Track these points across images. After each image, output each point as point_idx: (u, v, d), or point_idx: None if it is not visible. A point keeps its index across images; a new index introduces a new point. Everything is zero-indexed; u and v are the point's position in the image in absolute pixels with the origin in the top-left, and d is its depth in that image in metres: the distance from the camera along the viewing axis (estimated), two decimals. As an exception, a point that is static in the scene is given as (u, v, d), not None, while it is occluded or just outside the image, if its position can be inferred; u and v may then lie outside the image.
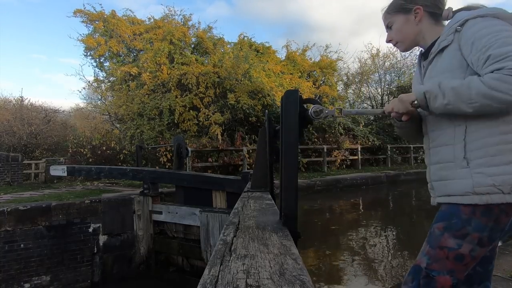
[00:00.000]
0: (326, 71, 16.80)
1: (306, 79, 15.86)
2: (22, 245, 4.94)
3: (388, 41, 1.30)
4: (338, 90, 16.90)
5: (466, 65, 1.04)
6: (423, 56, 1.24)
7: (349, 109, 18.35)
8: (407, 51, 1.31)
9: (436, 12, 1.19)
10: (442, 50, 1.10)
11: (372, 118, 19.33)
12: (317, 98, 13.56)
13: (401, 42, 1.26)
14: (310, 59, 17.34)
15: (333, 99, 15.98)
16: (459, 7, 1.18)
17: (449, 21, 1.14)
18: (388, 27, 1.28)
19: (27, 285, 4.93)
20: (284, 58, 16.70)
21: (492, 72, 0.94)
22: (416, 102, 1.07)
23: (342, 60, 18.59)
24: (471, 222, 1.00)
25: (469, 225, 1.00)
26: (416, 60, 1.35)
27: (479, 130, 1.01)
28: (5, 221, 4.86)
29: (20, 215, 4.96)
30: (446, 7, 1.20)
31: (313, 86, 15.61)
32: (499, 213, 0.98)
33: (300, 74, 15.85)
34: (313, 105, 1.19)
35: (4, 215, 4.85)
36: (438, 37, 1.13)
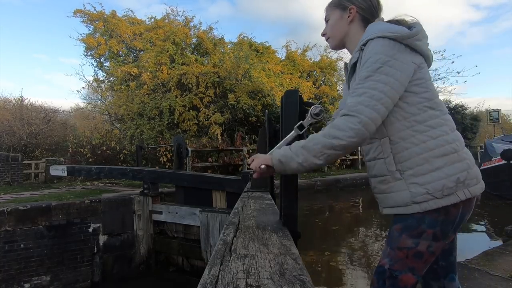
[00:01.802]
0: (326, 71, 16.79)
1: (306, 79, 15.85)
2: (22, 245, 4.94)
3: (322, 34, 1.32)
4: (338, 90, 16.87)
5: None
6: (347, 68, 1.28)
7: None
8: (336, 49, 1.34)
9: (369, 18, 1.21)
10: (353, 66, 1.15)
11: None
12: (317, 99, 13.56)
13: (332, 38, 1.28)
14: (310, 59, 17.34)
15: (333, 99, 15.96)
16: (390, 18, 1.20)
17: (364, 32, 1.16)
18: (326, 21, 1.29)
19: (27, 285, 4.93)
20: (284, 58, 16.69)
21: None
22: (263, 166, 1.09)
23: (342, 60, 18.56)
24: (424, 220, 1.06)
25: (423, 223, 1.06)
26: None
27: (401, 142, 1.08)
28: (5, 221, 4.86)
29: (20, 215, 4.96)
30: (379, 17, 1.22)
31: (313, 86, 15.60)
32: (448, 207, 1.04)
33: (300, 74, 15.84)
34: (313, 105, 1.20)
35: (4, 215, 4.85)
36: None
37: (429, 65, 1.13)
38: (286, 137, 1.20)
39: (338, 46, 1.30)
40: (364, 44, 1.09)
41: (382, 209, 1.22)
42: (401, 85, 1.03)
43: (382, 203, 1.20)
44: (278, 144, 1.22)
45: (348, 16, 1.22)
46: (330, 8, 1.28)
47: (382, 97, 1.00)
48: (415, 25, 1.11)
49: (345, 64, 1.33)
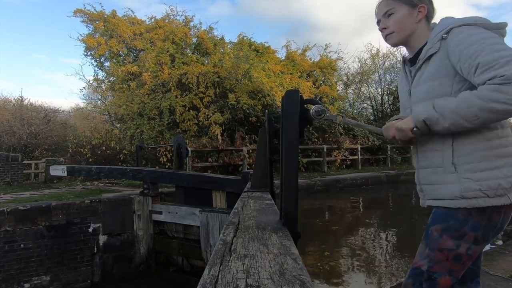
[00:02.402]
0: (326, 71, 16.79)
1: (306, 79, 15.85)
2: (22, 245, 4.94)
3: (382, 28, 1.26)
4: (338, 90, 16.88)
5: (453, 73, 1.06)
6: (410, 62, 1.26)
7: (349, 110, 18.38)
8: (396, 45, 1.29)
9: (431, 18, 1.22)
10: (429, 57, 1.11)
11: (372, 118, 19.34)
12: (317, 98, 13.56)
13: (397, 33, 1.23)
14: (310, 59, 17.33)
15: (333, 99, 15.97)
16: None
17: (434, 27, 1.16)
18: (386, 14, 1.23)
19: (27, 285, 4.93)
20: (284, 58, 16.69)
21: (485, 82, 0.95)
22: (415, 129, 1.08)
23: (342, 60, 18.58)
24: (468, 222, 1.04)
25: (466, 225, 1.04)
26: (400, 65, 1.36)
27: (465, 136, 1.05)
28: (5, 221, 4.85)
29: (20, 215, 4.96)
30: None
31: (313, 86, 15.60)
32: (492, 212, 1.03)
33: (300, 74, 15.84)
34: (314, 105, 1.19)
35: (4, 215, 4.85)
36: (425, 44, 1.15)
37: None
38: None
39: (400, 43, 1.25)
40: (447, 32, 1.06)
41: (425, 201, 1.19)
42: None
43: (427, 194, 1.16)
44: (419, 107, 1.13)
45: (417, 15, 1.19)
46: (394, 2, 1.21)
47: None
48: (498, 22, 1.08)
49: (404, 58, 1.31)
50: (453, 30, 1.05)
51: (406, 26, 1.20)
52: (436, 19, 1.23)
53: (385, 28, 1.24)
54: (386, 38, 1.25)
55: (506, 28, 1.07)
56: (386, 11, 1.23)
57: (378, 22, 1.28)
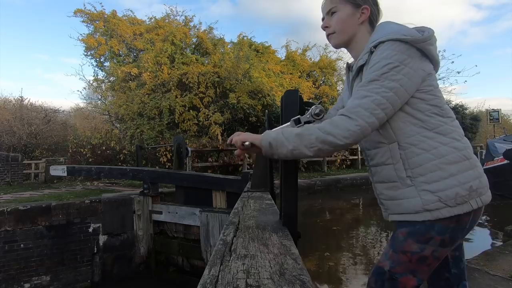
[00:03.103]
0: (326, 71, 16.78)
1: (306, 79, 15.86)
2: (22, 245, 4.94)
3: (324, 27, 1.22)
4: (338, 90, 16.86)
5: None
6: (350, 68, 1.24)
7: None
8: (338, 47, 1.24)
9: (373, 22, 1.18)
10: (360, 68, 1.11)
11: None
12: (317, 99, 13.56)
13: (338, 33, 1.19)
14: (310, 59, 17.33)
15: (333, 99, 15.95)
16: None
17: (372, 34, 1.13)
18: (330, 12, 1.19)
19: (27, 285, 4.93)
20: (284, 58, 16.70)
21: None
22: (247, 143, 1.07)
23: (342, 60, 18.57)
24: (434, 227, 1.03)
25: (433, 229, 1.03)
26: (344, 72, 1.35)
27: (411, 147, 1.05)
28: (5, 221, 4.86)
29: (20, 215, 4.96)
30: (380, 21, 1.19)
31: (313, 86, 15.60)
32: (459, 215, 1.02)
33: (300, 74, 15.84)
34: (313, 106, 1.19)
35: (4, 215, 4.85)
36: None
37: (436, 70, 1.11)
38: (281, 126, 1.18)
39: (341, 44, 1.22)
40: (375, 46, 1.05)
41: (388, 215, 1.19)
42: (406, 92, 1.01)
43: (389, 209, 1.17)
44: (266, 131, 1.17)
45: (360, 16, 1.16)
46: (338, 0, 1.18)
47: (384, 102, 0.98)
48: (425, 29, 1.07)
49: (348, 64, 1.29)
50: (379, 46, 1.04)
51: (347, 27, 1.17)
52: (416, 20, 1.20)
53: (327, 27, 1.21)
54: (328, 38, 1.22)
55: (434, 35, 1.05)
56: (330, 9, 1.19)
57: (323, 19, 1.24)
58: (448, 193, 1.01)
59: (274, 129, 1.14)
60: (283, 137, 1.01)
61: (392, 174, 1.09)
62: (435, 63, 1.08)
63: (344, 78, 1.37)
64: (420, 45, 1.02)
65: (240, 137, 1.09)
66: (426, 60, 1.05)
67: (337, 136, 0.97)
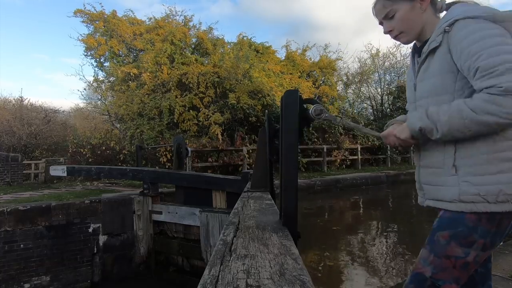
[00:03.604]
0: (325, 71, 16.79)
1: (306, 79, 15.86)
2: (22, 245, 4.94)
3: (387, 31, 1.17)
4: (337, 90, 16.88)
5: (456, 69, 1.01)
6: (417, 51, 1.19)
7: (348, 110, 18.38)
8: (409, 43, 1.19)
9: (436, 1, 1.13)
10: (433, 51, 1.05)
11: (372, 118, 19.33)
12: (316, 98, 13.58)
13: (406, 33, 1.14)
14: (310, 59, 17.34)
15: (333, 99, 15.97)
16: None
17: (442, 15, 1.09)
18: (388, 17, 1.15)
19: (27, 285, 4.93)
20: (283, 58, 16.70)
21: (481, 90, 0.93)
22: (407, 135, 1.09)
23: (341, 60, 18.58)
24: (477, 229, 0.99)
25: (476, 233, 0.99)
26: (410, 56, 1.28)
27: (469, 138, 1.00)
28: (5, 221, 4.85)
29: (20, 215, 4.96)
30: None
31: (313, 86, 15.61)
32: (501, 219, 0.98)
33: (299, 74, 15.84)
34: (313, 105, 1.19)
35: (4, 215, 4.85)
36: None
37: None
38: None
39: (413, 39, 1.16)
40: (450, 26, 0.99)
41: (424, 200, 1.16)
42: None
43: (428, 194, 1.13)
44: (418, 113, 1.10)
45: (421, 5, 1.10)
46: (390, 2, 1.12)
47: None
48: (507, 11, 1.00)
49: (415, 45, 1.21)
50: (457, 23, 0.98)
51: (414, 23, 1.12)
52: None
53: (391, 31, 1.16)
54: (396, 39, 1.18)
55: None
56: (386, 14, 1.15)
57: (381, 23, 1.20)
58: (490, 189, 0.96)
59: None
60: (430, 123, 0.99)
61: (439, 160, 1.06)
62: None
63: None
64: (502, 24, 0.96)
65: (401, 136, 1.10)
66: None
67: (500, 114, 0.89)
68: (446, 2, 1.14)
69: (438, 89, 1.05)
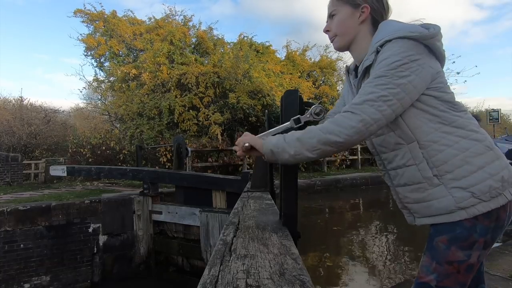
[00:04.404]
0: (326, 71, 16.78)
1: (306, 79, 15.86)
2: (22, 245, 4.94)
3: (325, 31, 1.20)
4: (338, 90, 16.86)
5: None
6: (355, 72, 1.20)
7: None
8: (341, 50, 1.20)
9: (377, 20, 1.13)
10: (367, 70, 1.07)
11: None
12: (317, 98, 13.56)
13: (340, 37, 1.16)
14: (310, 59, 17.33)
15: (333, 99, 15.95)
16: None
17: (375, 34, 1.09)
18: (331, 16, 1.17)
19: (27, 285, 4.93)
20: (284, 58, 16.70)
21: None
22: (247, 145, 1.07)
23: (342, 60, 18.57)
24: (476, 229, 0.98)
25: (475, 232, 0.98)
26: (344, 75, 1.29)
27: (433, 144, 1.00)
28: (5, 221, 4.86)
29: (20, 215, 4.96)
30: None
31: (313, 86, 15.60)
32: (498, 211, 0.97)
33: (300, 74, 15.84)
34: (313, 105, 1.19)
35: (4, 215, 4.85)
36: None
37: (442, 66, 1.07)
38: (280, 126, 1.16)
39: (344, 47, 1.19)
40: (381, 46, 1.01)
41: (414, 220, 1.13)
42: (414, 89, 0.96)
43: (418, 213, 1.09)
44: (270, 131, 1.16)
45: (360, 16, 1.12)
46: (338, 2, 1.15)
47: (391, 99, 0.94)
48: (430, 25, 1.03)
49: (347, 67, 1.26)
50: (385, 44, 1.00)
51: (348, 29, 1.14)
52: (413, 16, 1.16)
53: (328, 31, 1.19)
54: (331, 41, 1.20)
55: (440, 31, 1.02)
56: (331, 12, 1.17)
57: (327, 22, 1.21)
58: (480, 187, 0.96)
59: (276, 133, 1.12)
60: (284, 143, 0.99)
61: (416, 175, 1.04)
62: (442, 60, 1.05)
63: (346, 80, 1.32)
64: (427, 42, 0.99)
65: (244, 138, 1.09)
66: (433, 57, 1.02)
67: (340, 134, 0.93)
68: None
69: None
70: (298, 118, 1.16)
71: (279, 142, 1.00)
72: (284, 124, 1.17)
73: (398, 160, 1.08)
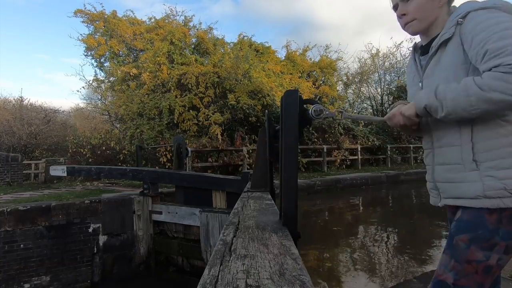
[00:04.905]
0: (326, 71, 16.80)
1: (306, 79, 15.87)
2: (22, 245, 4.94)
3: (401, 14, 1.14)
4: (338, 90, 16.90)
5: (469, 61, 0.99)
6: (421, 50, 1.17)
7: (348, 110, 18.40)
8: (416, 34, 1.16)
9: (451, 3, 1.12)
10: (445, 43, 1.04)
11: (372, 118, 19.34)
12: (317, 99, 13.57)
13: (419, 20, 1.11)
14: (310, 59, 17.35)
15: (333, 99, 15.99)
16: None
17: (453, 12, 1.08)
18: (405, 0, 1.12)
19: (27, 285, 4.93)
20: (284, 58, 16.70)
21: (489, 70, 0.91)
22: (412, 112, 1.06)
23: (342, 60, 18.60)
24: (498, 232, 0.96)
25: (497, 235, 0.96)
26: (410, 56, 1.26)
27: (486, 130, 0.98)
28: (5, 221, 4.85)
29: (20, 215, 4.96)
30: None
31: (313, 86, 15.62)
32: None
33: (300, 74, 15.85)
34: (313, 105, 1.18)
35: (4, 215, 4.85)
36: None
37: None
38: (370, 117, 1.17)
39: (421, 31, 1.13)
40: (463, 18, 0.98)
41: (440, 200, 1.11)
42: None
43: (445, 192, 1.08)
44: (425, 91, 1.09)
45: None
46: None
47: None
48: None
49: (415, 43, 1.22)
50: (469, 14, 0.98)
51: (428, 13, 1.09)
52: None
53: (404, 15, 1.13)
54: (405, 26, 1.14)
55: None
56: None
57: (395, 8, 1.16)
58: None
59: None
60: (437, 102, 0.97)
61: (457, 155, 1.02)
62: None
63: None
64: None
65: (406, 113, 1.08)
66: None
67: (508, 91, 0.87)
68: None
69: (451, 82, 1.02)
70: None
71: (431, 100, 0.99)
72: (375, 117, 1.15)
73: (446, 139, 1.07)
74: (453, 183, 1.05)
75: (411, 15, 1.12)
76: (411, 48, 1.27)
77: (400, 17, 1.15)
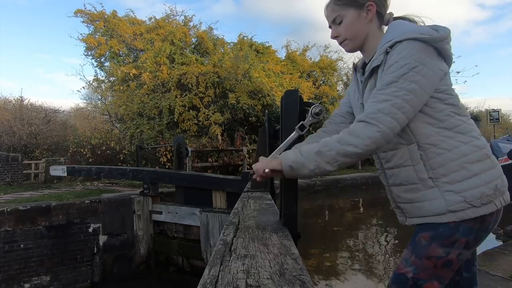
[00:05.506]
0: (326, 71, 16.78)
1: (306, 79, 15.85)
2: (22, 245, 4.94)
3: (334, 37, 1.18)
4: (338, 90, 16.86)
5: None
6: (363, 70, 1.19)
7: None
8: (353, 51, 1.20)
9: (382, 14, 1.14)
10: (376, 69, 1.07)
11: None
12: (317, 99, 13.57)
13: (350, 40, 1.16)
14: (310, 59, 17.33)
15: (333, 99, 15.95)
16: (397, 15, 1.15)
17: (385, 33, 1.10)
18: (336, 22, 1.16)
19: (27, 285, 4.93)
20: (284, 58, 16.69)
21: (358, 121, 0.98)
22: (267, 171, 1.07)
23: (342, 60, 18.56)
24: (459, 228, 1.00)
25: (458, 232, 1.00)
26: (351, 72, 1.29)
27: (432, 147, 1.02)
28: (5, 221, 4.86)
29: (20, 215, 4.96)
30: (388, 11, 1.16)
31: (313, 86, 15.60)
32: (484, 215, 0.99)
33: (300, 74, 15.84)
34: (313, 105, 1.19)
35: (4, 215, 4.85)
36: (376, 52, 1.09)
37: (449, 69, 1.07)
38: (287, 139, 1.17)
39: (356, 48, 1.18)
40: (391, 47, 1.01)
41: (406, 219, 1.15)
42: (425, 93, 0.98)
43: (410, 213, 1.12)
44: (280, 147, 1.17)
45: (367, 15, 1.12)
46: (339, 7, 1.13)
47: (404, 105, 0.95)
48: (439, 27, 1.04)
49: (354, 64, 1.26)
50: (395, 45, 1.00)
51: (358, 31, 1.14)
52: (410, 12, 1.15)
53: (337, 37, 1.18)
54: (341, 45, 1.19)
55: (450, 34, 1.03)
56: (334, 18, 1.16)
57: (330, 27, 1.21)
58: (473, 193, 0.98)
59: (285, 147, 1.13)
60: (303, 158, 1.00)
61: (412, 175, 1.05)
62: (449, 62, 1.06)
63: (351, 78, 1.32)
64: (437, 44, 0.99)
65: (261, 164, 1.10)
66: (442, 59, 1.03)
67: (359, 145, 0.94)
68: (394, 16, 1.16)
69: None
70: (302, 124, 1.17)
71: (297, 158, 1.01)
72: (291, 136, 1.17)
73: (396, 159, 1.09)
74: (415, 203, 1.07)
75: (342, 36, 1.16)
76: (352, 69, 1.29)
77: (334, 39, 1.20)
